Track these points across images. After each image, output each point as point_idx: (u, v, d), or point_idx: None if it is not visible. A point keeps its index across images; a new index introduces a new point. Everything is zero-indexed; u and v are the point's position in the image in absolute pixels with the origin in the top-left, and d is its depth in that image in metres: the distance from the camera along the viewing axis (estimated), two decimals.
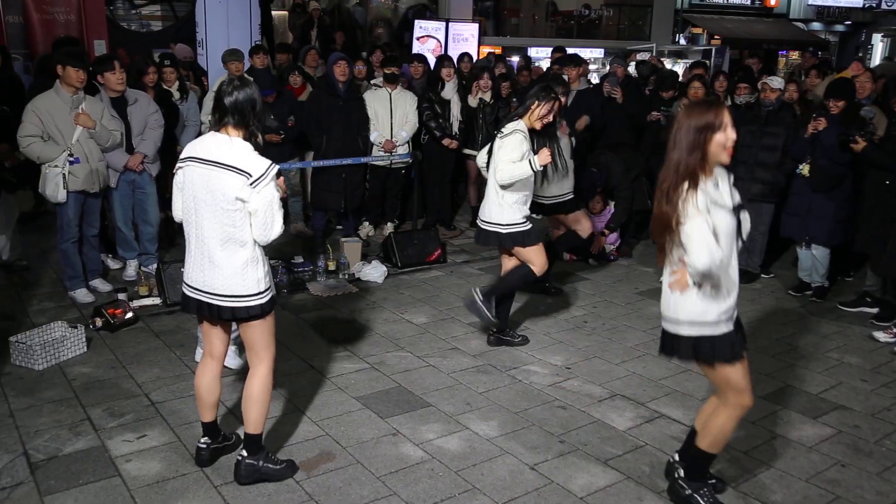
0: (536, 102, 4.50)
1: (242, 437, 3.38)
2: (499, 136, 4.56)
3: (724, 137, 2.82)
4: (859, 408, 4.21)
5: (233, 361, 4.40)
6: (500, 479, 3.43)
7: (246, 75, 7.24)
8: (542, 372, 4.55)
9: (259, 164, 3.07)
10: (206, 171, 3.08)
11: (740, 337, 3.04)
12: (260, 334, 3.25)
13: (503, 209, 4.60)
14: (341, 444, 3.69)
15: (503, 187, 4.54)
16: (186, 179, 3.15)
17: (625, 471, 3.51)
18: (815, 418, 4.08)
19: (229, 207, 3.06)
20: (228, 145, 3.10)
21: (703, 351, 2.97)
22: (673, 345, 3.04)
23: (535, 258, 4.72)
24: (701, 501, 3.16)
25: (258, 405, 3.27)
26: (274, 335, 3.31)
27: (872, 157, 5.31)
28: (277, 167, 3.14)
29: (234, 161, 3.05)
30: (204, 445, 3.45)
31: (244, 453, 3.32)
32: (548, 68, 9.74)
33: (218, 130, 3.15)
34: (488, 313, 4.70)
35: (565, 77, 6.41)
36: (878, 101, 6.29)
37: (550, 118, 4.55)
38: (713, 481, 3.39)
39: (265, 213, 3.07)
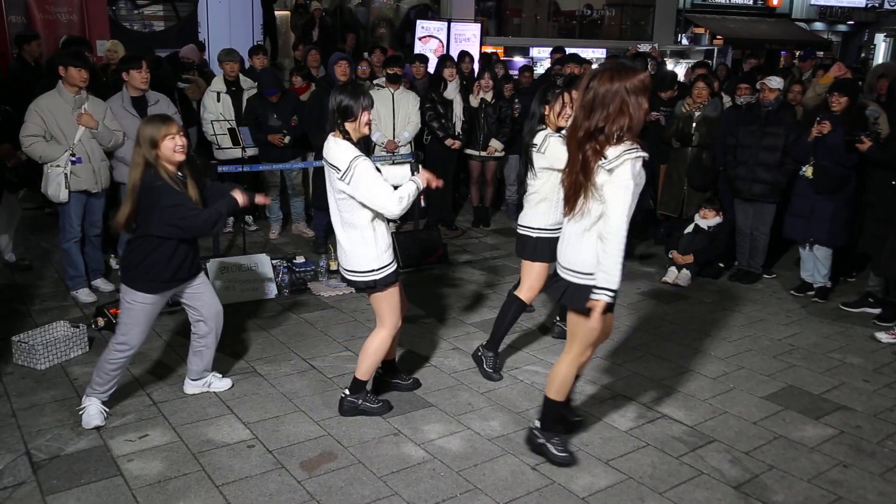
0: (547, 107, 4.17)
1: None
2: (534, 148, 4.16)
3: (646, 104, 2.97)
4: (861, 408, 4.20)
5: (219, 384, 4.22)
6: (502, 479, 3.43)
7: (243, 76, 7.28)
8: (543, 372, 4.55)
9: (344, 159, 3.51)
10: (326, 168, 3.66)
11: None
12: (378, 303, 3.77)
13: (525, 210, 4.33)
14: (343, 443, 3.69)
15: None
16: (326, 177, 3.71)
17: (626, 471, 3.51)
18: (817, 419, 4.07)
19: (338, 196, 3.61)
20: (328, 144, 3.63)
21: (584, 298, 3.10)
22: (576, 295, 3.18)
23: (525, 277, 4.37)
24: (552, 450, 3.41)
25: (370, 358, 3.84)
26: (395, 305, 3.78)
27: (877, 156, 5.30)
28: (362, 158, 3.52)
29: (331, 158, 3.58)
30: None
31: (346, 392, 3.93)
32: (548, 69, 9.73)
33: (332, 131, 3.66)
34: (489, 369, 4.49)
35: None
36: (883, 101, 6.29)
37: (570, 110, 4.14)
38: (578, 418, 3.87)
39: (367, 199, 3.51)
